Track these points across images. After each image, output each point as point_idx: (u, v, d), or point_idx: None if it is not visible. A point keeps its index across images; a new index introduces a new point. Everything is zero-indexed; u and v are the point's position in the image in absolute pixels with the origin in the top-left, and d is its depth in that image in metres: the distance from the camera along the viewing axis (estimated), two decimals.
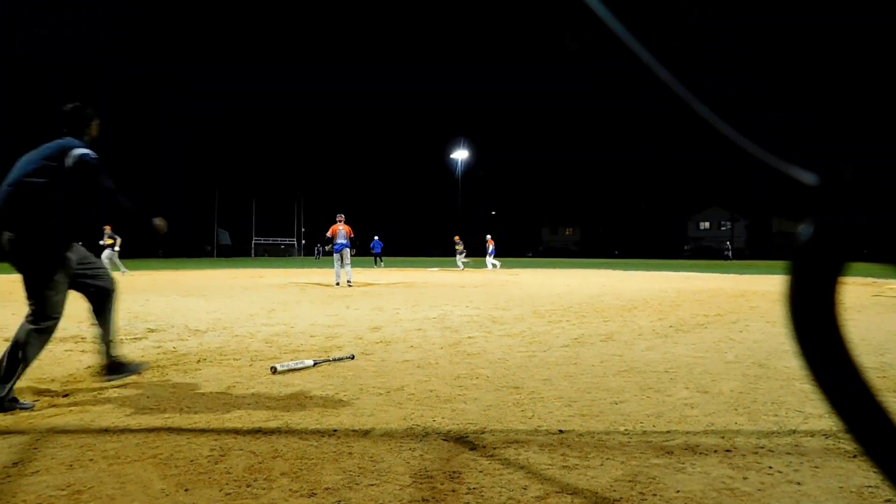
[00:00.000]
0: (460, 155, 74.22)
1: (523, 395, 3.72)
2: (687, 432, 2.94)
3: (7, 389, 3.34)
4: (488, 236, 29.90)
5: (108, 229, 20.29)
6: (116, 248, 20.46)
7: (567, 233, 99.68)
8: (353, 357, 4.88)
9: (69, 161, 3.49)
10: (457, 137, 73.41)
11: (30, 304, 3.49)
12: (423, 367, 4.56)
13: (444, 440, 2.81)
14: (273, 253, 74.03)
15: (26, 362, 3.43)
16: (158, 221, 3.93)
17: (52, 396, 3.63)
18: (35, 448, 2.69)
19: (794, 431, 2.95)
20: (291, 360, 4.77)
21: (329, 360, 4.71)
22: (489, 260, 29.16)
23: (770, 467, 2.46)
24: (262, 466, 2.46)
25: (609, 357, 5.00)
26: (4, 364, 3.37)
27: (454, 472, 2.40)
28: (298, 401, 3.55)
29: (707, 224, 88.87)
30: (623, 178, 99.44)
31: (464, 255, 29.36)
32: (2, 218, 3.45)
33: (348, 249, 15.19)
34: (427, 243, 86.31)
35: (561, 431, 2.93)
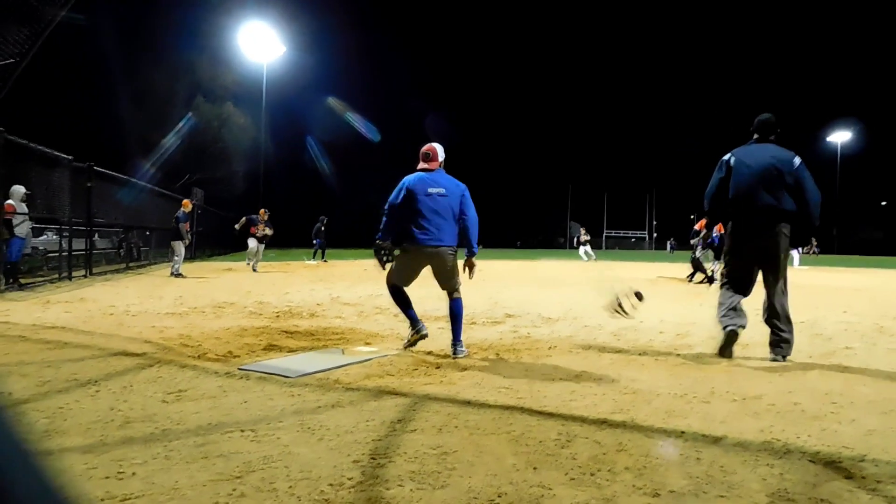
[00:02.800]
0: (840, 137, 64.39)
1: None
2: None
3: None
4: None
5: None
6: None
7: None
8: None
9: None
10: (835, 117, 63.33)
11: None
12: (785, 377, 4.08)
13: (810, 461, 2.46)
14: (623, 246, 74.24)
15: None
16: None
17: (427, 367, 4.18)
18: (413, 409, 3.14)
19: None
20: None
21: None
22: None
23: None
24: (606, 458, 2.47)
25: None
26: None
27: (823, 499, 2.08)
28: (645, 397, 3.48)
29: None
30: None
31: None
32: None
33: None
34: None
35: None
